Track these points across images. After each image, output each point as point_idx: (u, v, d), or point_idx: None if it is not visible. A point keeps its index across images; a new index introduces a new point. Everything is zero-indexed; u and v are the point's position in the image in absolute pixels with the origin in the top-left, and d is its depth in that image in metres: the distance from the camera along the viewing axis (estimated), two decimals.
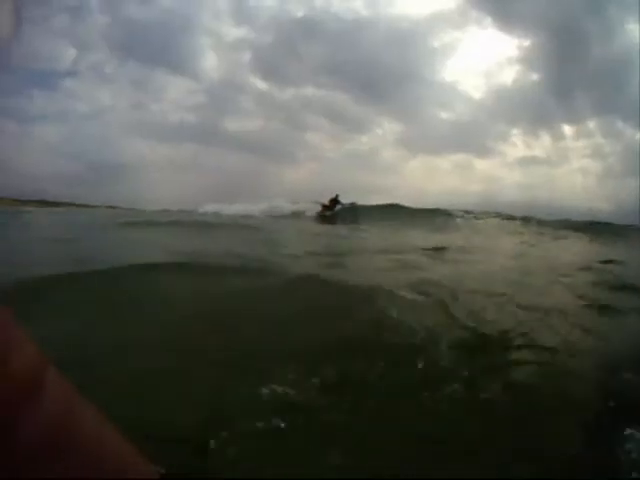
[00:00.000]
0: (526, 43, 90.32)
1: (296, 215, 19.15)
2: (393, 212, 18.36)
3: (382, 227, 13.48)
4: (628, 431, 1.75)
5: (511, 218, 19.44)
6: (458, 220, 18.69)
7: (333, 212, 19.00)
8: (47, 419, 0.23)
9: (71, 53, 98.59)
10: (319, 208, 19.27)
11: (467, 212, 20.59)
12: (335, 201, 19.49)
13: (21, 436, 0.21)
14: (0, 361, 0.21)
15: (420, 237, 10.31)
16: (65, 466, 0.23)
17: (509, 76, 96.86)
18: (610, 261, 6.46)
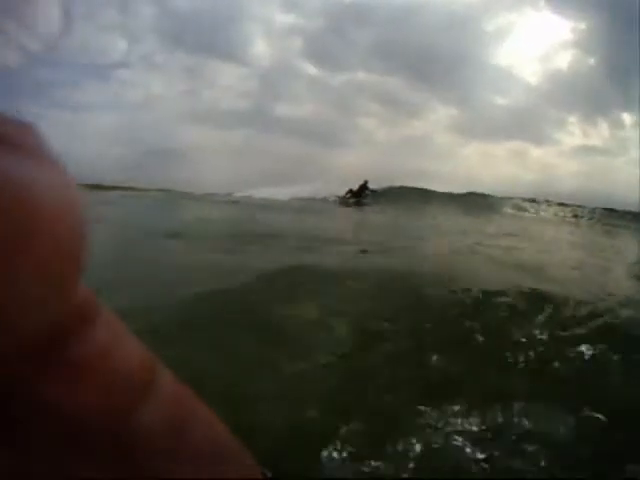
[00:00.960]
0: (581, 26, 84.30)
1: (324, 200, 19.34)
2: (431, 197, 18.35)
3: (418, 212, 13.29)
4: None
5: (568, 207, 18.54)
6: (510, 210, 18.01)
7: (358, 199, 18.93)
8: (162, 420, 0.22)
9: (122, 45, 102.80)
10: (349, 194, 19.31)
11: (525, 200, 19.88)
12: (364, 187, 19.40)
13: (137, 438, 0.21)
14: (109, 358, 0.20)
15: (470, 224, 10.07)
16: (182, 468, 0.23)
17: (565, 61, 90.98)
18: None
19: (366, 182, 19.39)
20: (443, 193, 20.79)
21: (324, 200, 19.23)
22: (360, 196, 19.12)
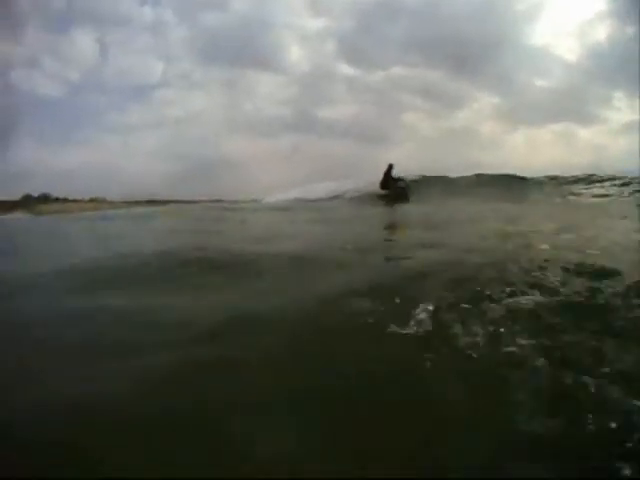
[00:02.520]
0: None
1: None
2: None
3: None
4: None
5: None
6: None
7: (387, 191, 15.10)
8: None
9: (159, 66, 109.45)
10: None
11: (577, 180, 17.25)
12: (389, 175, 15.23)
13: None
14: None
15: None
16: None
17: (602, 33, 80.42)
18: None
19: (390, 166, 15.20)
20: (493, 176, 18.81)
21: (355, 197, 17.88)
22: (387, 187, 15.11)
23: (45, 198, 36.52)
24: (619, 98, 79.55)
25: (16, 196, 36.74)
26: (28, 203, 33.05)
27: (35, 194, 37.74)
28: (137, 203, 28.88)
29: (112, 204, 30.12)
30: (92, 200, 33.75)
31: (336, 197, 17.81)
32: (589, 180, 17.43)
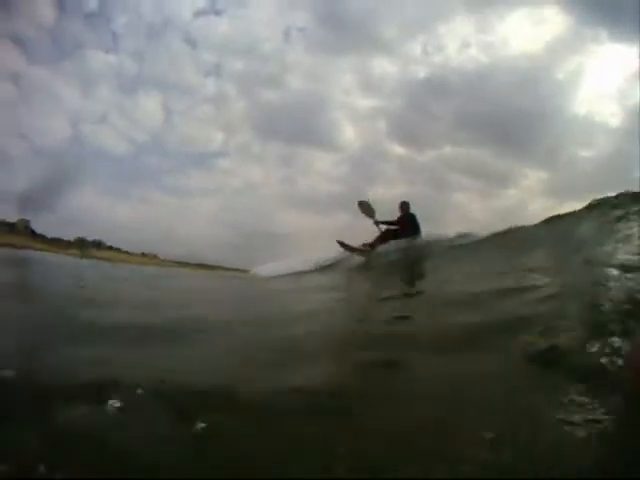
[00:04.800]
0: None
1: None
2: None
3: None
4: None
5: None
6: None
7: (371, 252, 8.87)
8: None
9: (219, 136, 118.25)
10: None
11: None
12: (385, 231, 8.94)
13: None
14: None
15: None
16: None
17: None
18: None
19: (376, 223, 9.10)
20: None
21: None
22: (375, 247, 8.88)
23: (98, 244, 36.85)
24: None
25: (70, 237, 37.60)
26: (82, 245, 33.31)
27: (89, 238, 38.47)
28: (187, 265, 28.11)
29: (162, 262, 29.54)
30: (143, 255, 33.52)
31: None
32: None
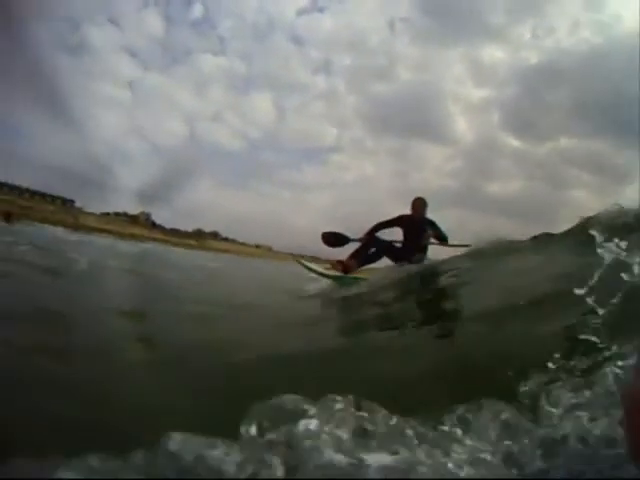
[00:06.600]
0: None
1: None
2: None
3: None
4: None
5: None
6: None
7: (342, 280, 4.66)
8: None
9: (332, 131, 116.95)
10: None
11: None
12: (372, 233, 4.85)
13: None
14: None
15: None
16: None
17: None
18: None
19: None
20: None
21: None
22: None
23: (215, 235, 37.73)
24: None
25: (188, 228, 39.41)
26: (199, 236, 34.20)
27: (206, 230, 39.78)
28: (301, 257, 26.22)
29: (276, 254, 28.39)
30: (258, 246, 33.01)
31: None
32: None
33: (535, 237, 3.51)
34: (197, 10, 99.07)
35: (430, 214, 4.75)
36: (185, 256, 15.68)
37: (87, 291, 3.31)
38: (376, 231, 4.69)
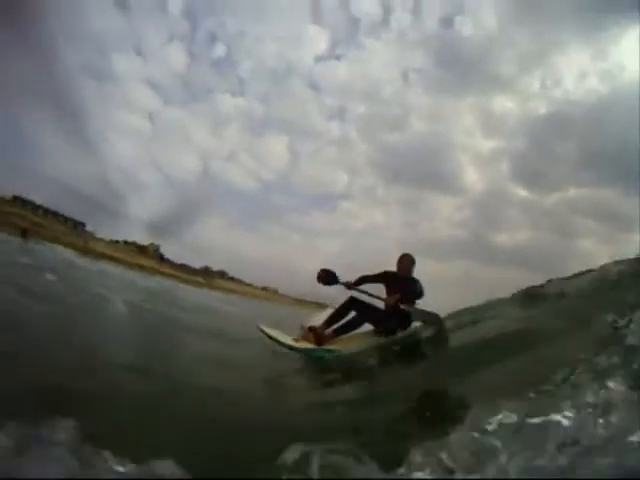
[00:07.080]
0: None
1: None
2: None
3: None
4: None
5: None
6: None
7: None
8: None
9: (343, 178, 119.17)
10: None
11: None
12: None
13: None
14: None
15: None
16: None
17: None
18: None
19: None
20: None
21: None
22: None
23: (222, 274, 38.02)
24: None
25: (196, 264, 39.80)
26: (207, 274, 34.51)
27: (214, 268, 40.09)
28: (306, 303, 26.70)
29: (282, 297, 28.56)
30: (264, 288, 33.20)
31: None
32: None
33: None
34: (220, 49, 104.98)
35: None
36: (199, 296, 15.58)
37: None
38: (360, 284, 4.15)
